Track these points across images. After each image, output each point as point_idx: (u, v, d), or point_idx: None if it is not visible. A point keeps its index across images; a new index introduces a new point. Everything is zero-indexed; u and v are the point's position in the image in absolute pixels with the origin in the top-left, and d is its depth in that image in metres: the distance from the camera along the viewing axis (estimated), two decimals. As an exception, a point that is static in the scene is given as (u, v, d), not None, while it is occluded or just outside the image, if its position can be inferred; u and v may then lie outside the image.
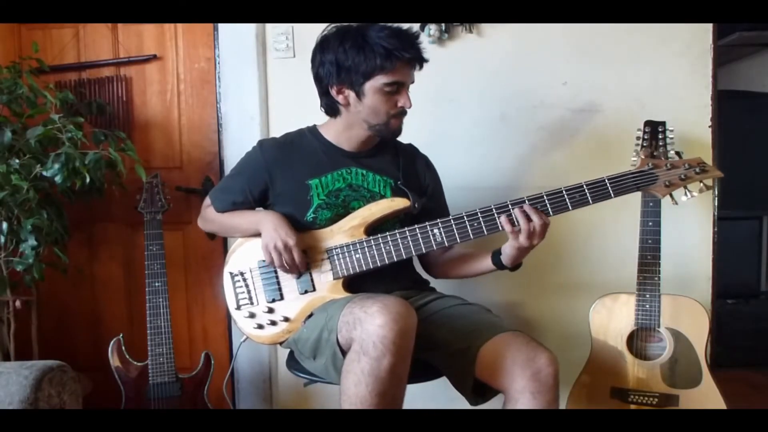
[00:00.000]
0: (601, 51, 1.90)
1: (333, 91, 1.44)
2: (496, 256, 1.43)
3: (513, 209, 1.33)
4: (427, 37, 1.91)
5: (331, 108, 1.49)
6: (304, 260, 1.43)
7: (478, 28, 1.93)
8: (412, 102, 1.44)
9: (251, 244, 1.51)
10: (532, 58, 1.93)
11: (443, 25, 1.91)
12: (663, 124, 1.64)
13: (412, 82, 1.45)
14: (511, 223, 1.32)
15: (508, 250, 1.38)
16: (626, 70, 1.89)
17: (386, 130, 1.47)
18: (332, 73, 1.41)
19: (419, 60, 1.43)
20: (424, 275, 1.64)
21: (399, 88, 1.42)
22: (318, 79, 1.47)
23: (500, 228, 1.34)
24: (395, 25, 1.42)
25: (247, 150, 1.58)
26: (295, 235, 1.42)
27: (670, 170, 1.33)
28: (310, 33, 1.93)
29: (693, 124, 1.85)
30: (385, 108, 1.43)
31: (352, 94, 1.42)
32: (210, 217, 1.62)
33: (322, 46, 1.44)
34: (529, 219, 1.31)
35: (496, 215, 1.34)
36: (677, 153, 1.55)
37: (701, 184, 1.33)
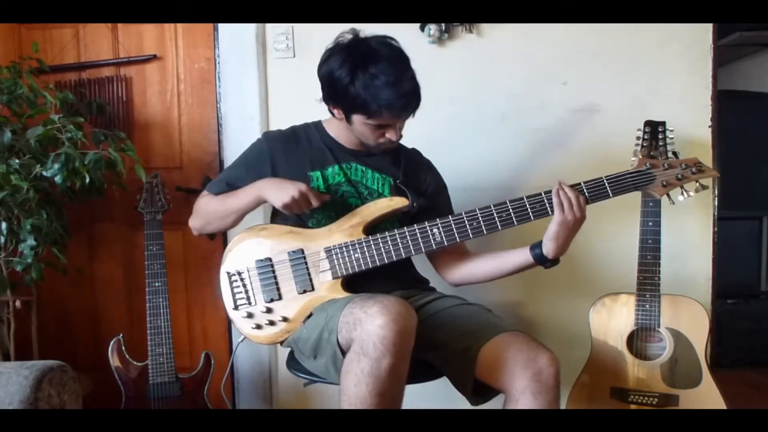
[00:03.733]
0: (601, 51, 1.90)
1: (328, 105, 1.46)
2: (536, 248, 1.40)
3: (513, 207, 1.34)
4: (427, 37, 1.91)
5: (330, 111, 1.49)
6: (320, 196, 1.42)
7: (478, 28, 1.93)
8: (401, 135, 1.44)
9: (249, 243, 1.51)
10: (532, 58, 1.93)
11: (443, 25, 1.91)
12: (663, 124, 1.64)
13: (404, 119, 1.42)
14: (558, 194, 1.33)
15: (553, 228, 1.34)
16: (626, 70, 1.90)
17: (375, 149, 1.49)
18: (326, 90, 1.43)
19: (407, 111, 1.40)
20: (425, 275, 1.64)
21: (387, 125, 1.41)
22: (321, 84, 1.46)
23: (498, 228, 1.35)
24: (395, 68, 1.34)
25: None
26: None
27: (667, 170, 1.34)
28: (310, 33, 1.95)
29: (693, 124, 1.85)
30: (372, 137, 1.44)
31: (342, 115, 1.44)
32: (200, 208, 1.57)
33: (328, 57, 1.41)
34: (566, 191, 1.33)
35: (495, 215, 1.35)
36: (674, 153, 1.57)
37: (697, 184, 1.34)
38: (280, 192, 1.40)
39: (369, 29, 1.42)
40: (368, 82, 1.34)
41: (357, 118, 1.41)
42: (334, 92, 1.40)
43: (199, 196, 1.63)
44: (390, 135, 1.43)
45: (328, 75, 1.40)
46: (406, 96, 1.35)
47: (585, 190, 1.34)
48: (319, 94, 1.47)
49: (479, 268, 1.52)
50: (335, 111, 1.45)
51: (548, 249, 1.37)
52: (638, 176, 1.34)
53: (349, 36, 1.41)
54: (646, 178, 1.34)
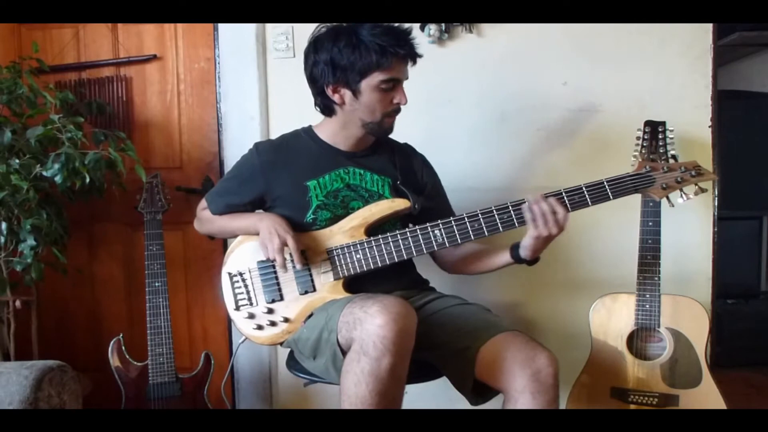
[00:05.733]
0: (601, 51, 1.90)
1: (329, 91, 1.44)
2: (515, 249, 1.43)
3: (536, 201, 1.33)
4: (427, 37, 1.91)
5: (326, 107, 1.49)
6: (302, 257, 1.43)
7: (478, 28, 1.93)
8: (407, 98, 1.44)
9: (250, 245, 1.51)
10: (532, 58, 1.93)
11: (443, 25, 1.91)
12: (663, 124, 1.64)
13: (407, 78, 1.46)
14: (531, 210, 1.33)
15: (527, 241, 1.37)
16: (626, 70, 1.89)
17: (379, 129, 1.48)
18: (327, 72, 1.41)
19: (413, 56, 1.43)
20: (424, 275, 1.64)
21: (395, 84, 1.42)
22: (312, 80, 1.47)
23: (500, 229, 1.35)
24: (386, 24, 1.42)
25: (247, 150, 1.58)
26: (293, 232, 1.42)
27: (666, 173, 1.35)
28: (310, 33, 1.95)
29: (693, 124, 1.85)
30: (382, 105, 1.43)
31: (348, 93, 1.43)
32: (206, 219, 1.62)
33: (316, 46, 1.44)
34: (541, 206, 1.31)
35: (497, 216, 1.35)
36: (673, 156, 1.57)
37: (696, 187, 1.35)
38: (267, 232, 1.42)
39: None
40: (373, 31, 1.37)
41: (369, 84, 1.40)
42: (339, 68, 1.39)
43: (200, 206, 1.66)
44: (399, 98, 1.43)
45: (328, 58, 1.40)
46: (409, 34, 1.42)
47: (566, 201, 1.33)
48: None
49: (468, 266, 1.56)
50: (339, 94, 1.43)
51: (525, 254, 1.41)
52: (638, 179, 1.35)
53: (323, 28, 1.45)
54: (646, 180, 1.35)
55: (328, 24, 1.46)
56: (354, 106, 1.44)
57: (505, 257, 1.46)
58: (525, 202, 1.34)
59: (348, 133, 1.51)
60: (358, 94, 1.42)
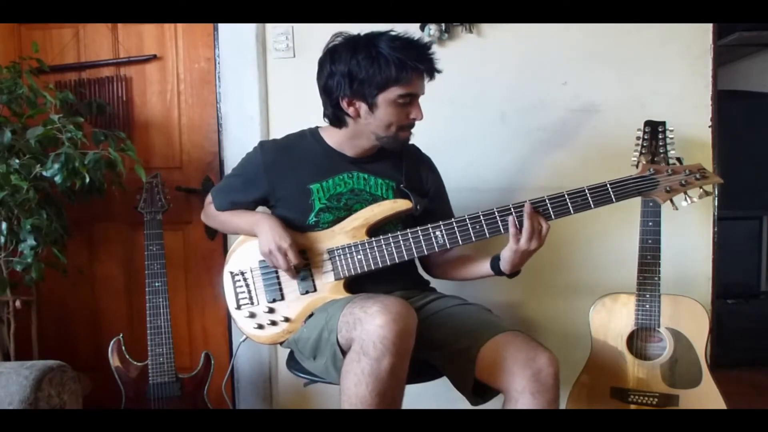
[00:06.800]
0: (601, 51, 1.90)
1: (343, 103, 1.41)
2: (495, 261, 1.42)
3: (516, 212, 1.33)
4: (427, 37, 1.91)
5: (337, 119, 1.46)
6: (301, 261, 1.43)
7: (478, 28, 1.93)
8: (423, 114, 1.43)
9: (252, 244, 1.51)
10: (532, 58, 1.93)
11: (443, 25, 1.90)
12: (663, 124, 1.64)
13: (423, 93, 1.44)
14: (516, 225, 1.32)
15: (507, 254, 1.37)
16: (626, 70, 1.89)
17: (393, 143, 1.46)
18: (344, 84, 1.38)
19: (433, 71, 1.42)
20: (425, 275, 1.64)
21: (412, 99, 1.40)
22: (327, 91, 1.43)
23: (501, 231, 1.35)
24: (405, 34, 1.40)
25: (248, 150, 1.58)
26: (290, 237, 1.42)
27: (670, 176, 1.33)
28: (310, 33, 1.96)
29: (693, 124, 1.85)
30: (397, 120, 1.42)
31: (363, 107, 1.40)
32: (211, 214, 1.63)
33: (332, 56, 1.41)
34: (532, 222, 1.31)
35: (498, 218, 1.35)
36: (678, 159, 1.57)
37: (701, 190, 1.34)
38: (265, 238, 1.43)
39: (369, 29, 1.42)
40: (393, 44, 1.35)
41: (386, 98, 1.37)
42: (357, 81, 1.37)
43: (207, 199, 1.66)
44: (415, 114, 1.42)
45: (345, 70, 1.37)
46: (429, 48, 1.41)
47: (589, 196, 1.32)
48: (318, 99, 1.46)
49: (452, 272, 1.56)
50: (354, 107, 1.41)
51: (504, 268, 1.41)
52: (642, 182, 1.34)
53: (339, 37, 1.43)
54: (650, 183, 1.34)
55: (345, 34, 1.43)
56: (368, 120, 1.42)
57: (485, 268, 1.45)
58: (511, 212, 1.34)
59: (357, 142, 1.49)
60: (374, 108, 1.40)
